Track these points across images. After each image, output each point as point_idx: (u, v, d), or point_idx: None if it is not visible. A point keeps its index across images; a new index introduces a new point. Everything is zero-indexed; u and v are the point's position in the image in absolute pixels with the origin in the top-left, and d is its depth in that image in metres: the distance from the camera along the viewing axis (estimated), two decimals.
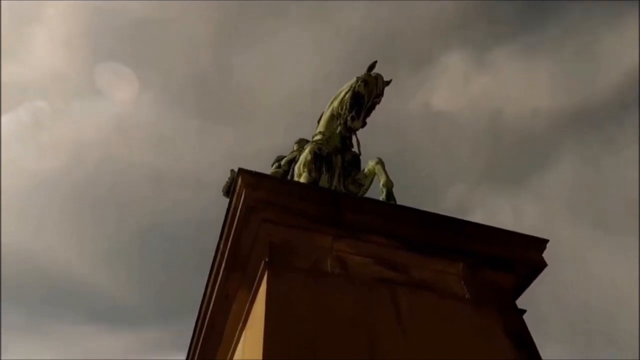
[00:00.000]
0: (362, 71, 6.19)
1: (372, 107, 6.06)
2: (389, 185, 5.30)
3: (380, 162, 5.61)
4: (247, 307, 4.11)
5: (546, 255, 4.62)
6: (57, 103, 20.35)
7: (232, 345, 4.51)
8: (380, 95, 6.05)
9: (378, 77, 6.07)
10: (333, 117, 6.25)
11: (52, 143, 19.73)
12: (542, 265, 4.52)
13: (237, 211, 3.94)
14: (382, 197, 5.30)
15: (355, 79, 6.16)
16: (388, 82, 6.17)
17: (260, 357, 3.13)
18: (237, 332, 4.37)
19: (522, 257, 4.43)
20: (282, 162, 6.89)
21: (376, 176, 5.63)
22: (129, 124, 20.21)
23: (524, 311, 4.27)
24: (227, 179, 7.26)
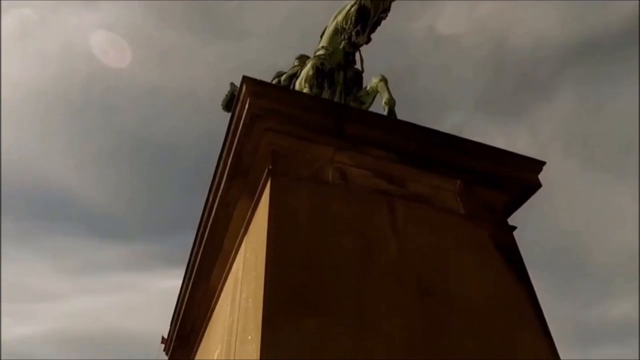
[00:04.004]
0: None
1: (378, 23, 5.87)
2: (391, 103, 5.27)
3: (384, 79, 5.54)
4: (248, 215, 4.23)
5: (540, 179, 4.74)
6: (45, 11, 19.53)
7: (233, 253, 4.68)
8: (386, 10, 5.84)
9: None
10: (337, 32, 6.08)
11: (40, 53, 19.17)
12: (537, 186, 4.63)
13: (240, 120, 3.94)
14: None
15: None
16: None
17: (263, 263, 3.26)
18: (238, 240, 4.52)
19: (518, 176, 4.53)
20: (283, 78, 6.79)
21: (378, 94, 5.59)
22: (121, 36, 19.58)
23: (514, 228, 4.44)
24: (226, 93, 7.18)
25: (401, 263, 3.61)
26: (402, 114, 5.30)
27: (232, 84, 7.14)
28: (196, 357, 5.97)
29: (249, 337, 3.17)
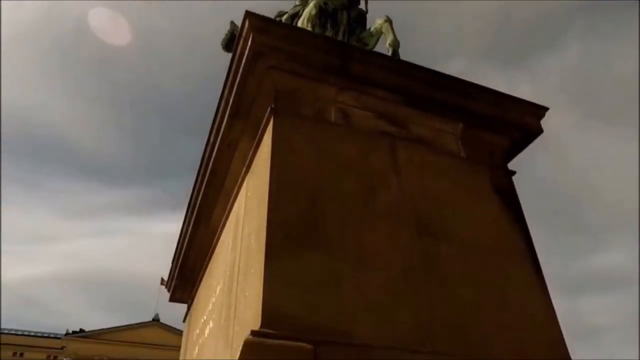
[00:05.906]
0: None
1: None
2: (395, 44, 5.19)
3: (389, 20, 5.43)
4: (250, 154, 4.23)
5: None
6: None
7: (234, 192, 4.72)
8: None
9: None
10: None
11: None
12: (538, 131, 4.64)
13: (242, 57, 3.87)
14: None
15: None
16: None
17: (266, 201, 3.30)
18: (240, 179, 4.55)
19: (520, 120, 4.53)
20: (284, 18, 6.62)
21: (382, 35, 5.48)
22: None
23: (513, 172, 4.47)
24: (226, 32, 7.00)
25: (401, 203, 3.67)
26: (406, 56, 5.23)
27: (232, 22, 6.94)
28: (197, 293, 6.15)
29: (252, 271, 3.25)
